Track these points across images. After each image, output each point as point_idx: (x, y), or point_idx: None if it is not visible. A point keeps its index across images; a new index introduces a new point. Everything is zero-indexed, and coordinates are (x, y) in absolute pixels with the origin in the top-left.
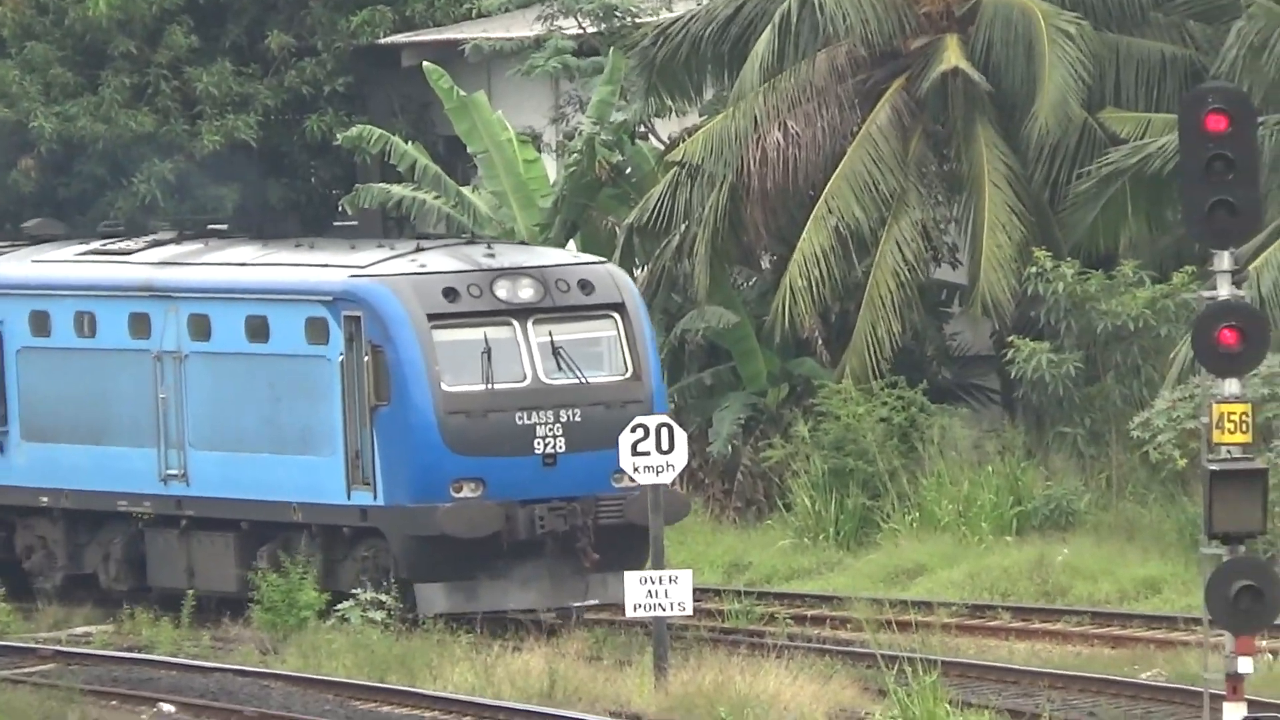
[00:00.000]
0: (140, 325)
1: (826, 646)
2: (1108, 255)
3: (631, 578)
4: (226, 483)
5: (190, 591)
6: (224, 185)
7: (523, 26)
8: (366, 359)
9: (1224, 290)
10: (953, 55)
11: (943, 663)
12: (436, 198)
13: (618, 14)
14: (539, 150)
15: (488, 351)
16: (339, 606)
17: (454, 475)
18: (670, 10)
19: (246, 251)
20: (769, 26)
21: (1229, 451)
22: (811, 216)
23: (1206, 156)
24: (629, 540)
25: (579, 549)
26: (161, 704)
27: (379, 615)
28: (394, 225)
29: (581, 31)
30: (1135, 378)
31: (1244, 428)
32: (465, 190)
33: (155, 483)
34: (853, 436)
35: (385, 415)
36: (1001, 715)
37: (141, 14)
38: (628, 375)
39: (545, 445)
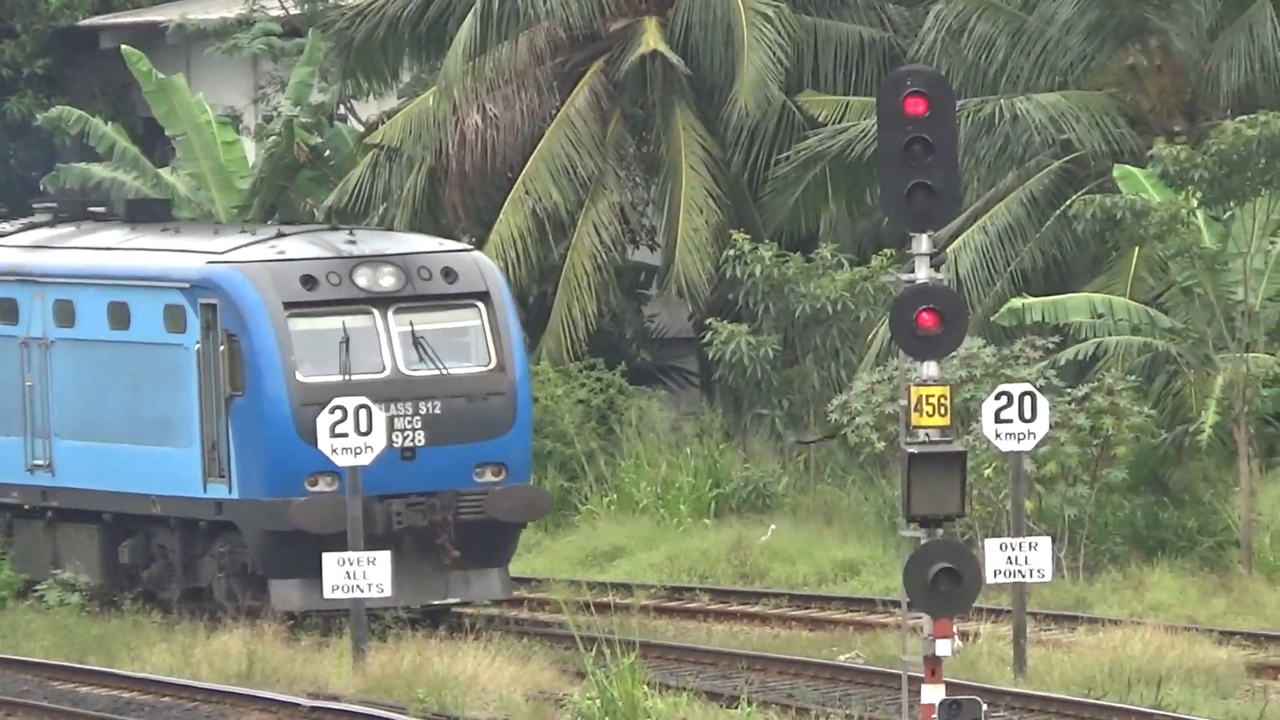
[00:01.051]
0: (9, 310)
1: (525, 628)
2: (807, 238)
3: (329, 559)
4: (90, 473)
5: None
6: None
7: (223, 8)
8: (222, 348)
9: (922, 273)
10: (651, 38)
11: (641, 644)
12: (136, 179)
13: None
14: (239, 132)
15: (346, 341)
16: (37, 587)
17: (309, 469)
18: None
19: (114, 236)
20: (471, 10)
21: (927, 434)
22: (509, 198)
23: (905, 139)
24: (491, 536)
25: (439, 545)
26: None
27: (75, 597)
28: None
29: (284, 12)
30: (834, 360)
31: (942, 410)
32: (164, 172)
33: (22, 472)
34: (550, 418)
35: (240, 406)
36: (699, 697)
37: None
38: (491, 366)
39: (404, 438)
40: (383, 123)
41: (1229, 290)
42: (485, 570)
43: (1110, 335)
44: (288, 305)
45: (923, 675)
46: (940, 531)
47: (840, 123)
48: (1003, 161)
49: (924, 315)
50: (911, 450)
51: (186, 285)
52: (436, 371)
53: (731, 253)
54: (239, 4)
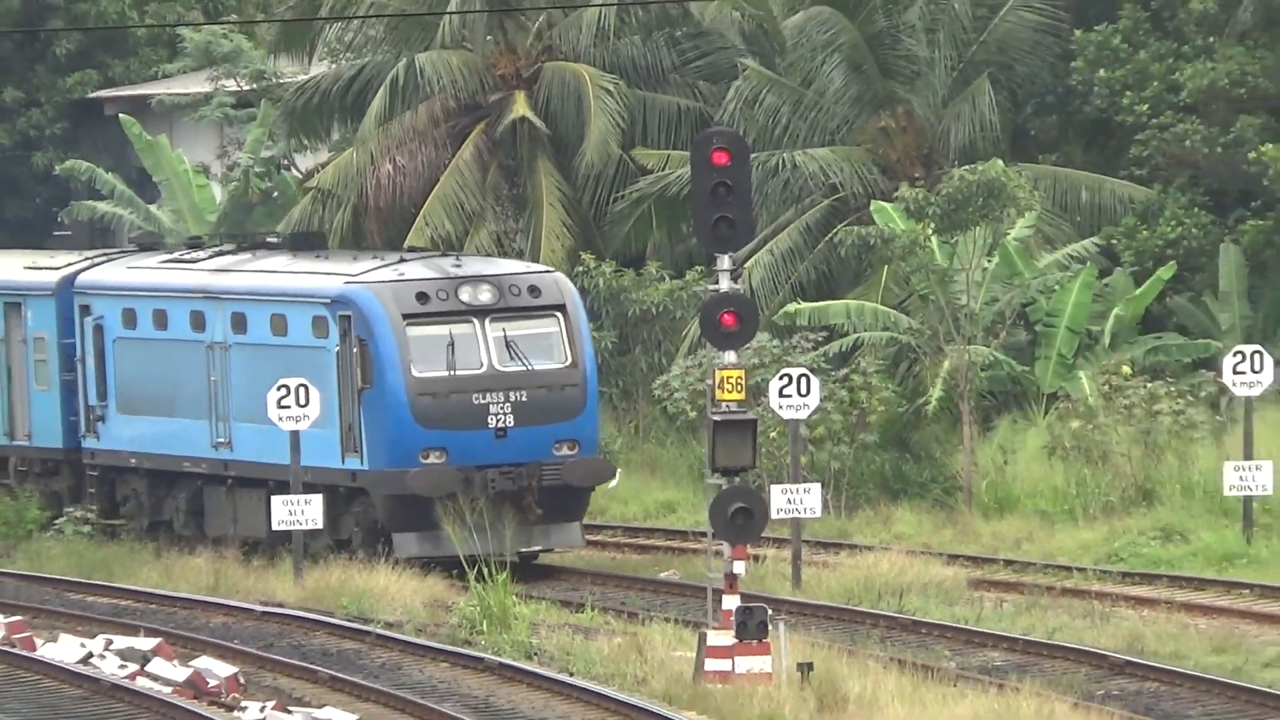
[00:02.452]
0: (198, 321)
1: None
2: (638, 257)
3: (277, 501)
4: (258, 449)
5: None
6: None
7: (196, 85)
8: (355, 350)
9: (724, 284)
10: (521, 107)
11: (511, 564)
12: (131, 213)
13: (266, 76)
14: (208, 178)
15: (452, 345)
16: (55, 521)
17: (422, 445)
18: (307, 73)
19: (279, 261)
20: (383, 85)
21: (728, 406)
22: (413, 228)
23: (712, 183)
24: (567, 498)
25: (525, 505)
26: None
27: (86, 529)
28: (99, 234)
29: (240, 89)
30: (657, 350)
31: (739, 388)
32: (152, 208)
33: (208, 448)
34: None
35: (369, 396)
36: (555, 604)
37: None
38: (567, 364)
39: (497, 421)
40: (318, 171)
41: (955, 297)
42: (563, 525)
43: (865, 331)
44: (406, 316)
45: (724, 588)
46: (737, 479)
47: (663, 171)
48: (785, 199)
49: (726, 316)
50: (715, 418)
51: (328, 301)
52: (524, 368)
53: (580, 269)
54: (208, 82)
